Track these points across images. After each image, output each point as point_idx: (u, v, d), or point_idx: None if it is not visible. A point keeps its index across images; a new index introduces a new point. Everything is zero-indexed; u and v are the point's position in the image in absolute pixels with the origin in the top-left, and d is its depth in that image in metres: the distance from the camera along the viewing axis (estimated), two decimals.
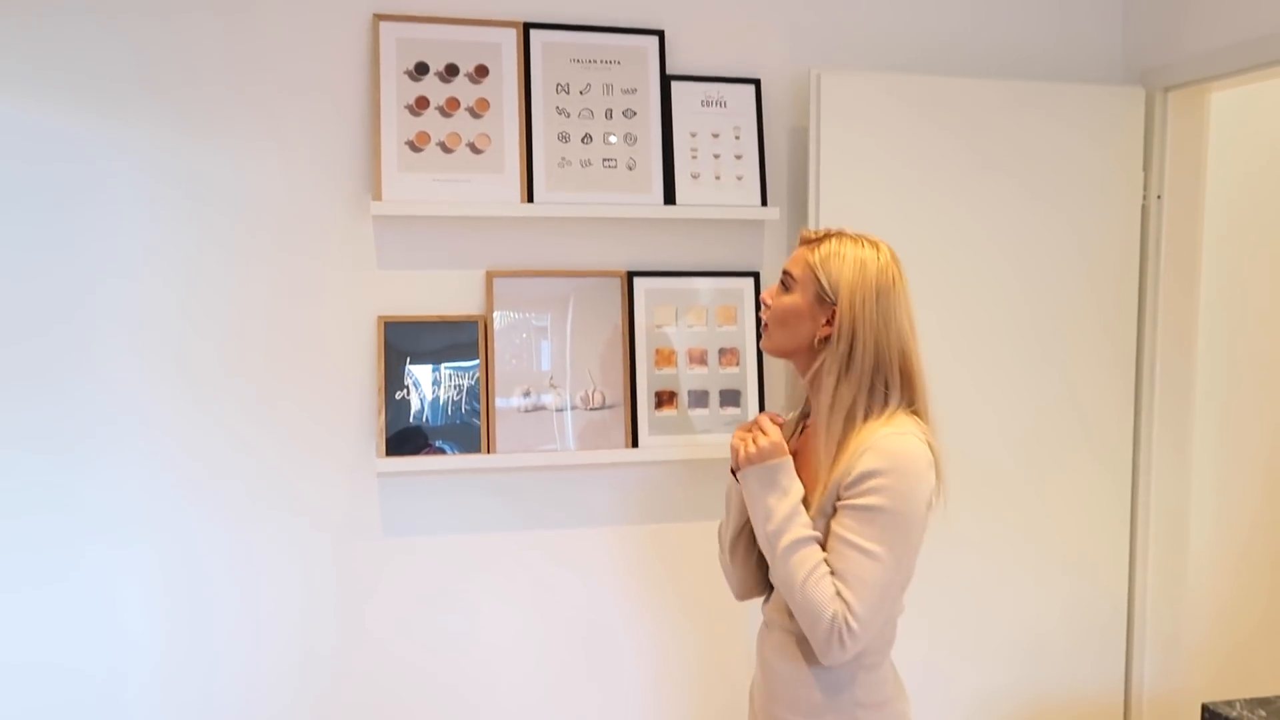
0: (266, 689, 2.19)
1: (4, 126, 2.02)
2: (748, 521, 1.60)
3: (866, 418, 1.47)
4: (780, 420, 1.55)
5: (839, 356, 1.49)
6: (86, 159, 2.06)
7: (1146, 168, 2.47)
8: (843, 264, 1.50)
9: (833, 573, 1.43)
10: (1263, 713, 1.51)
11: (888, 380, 1.48)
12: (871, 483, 1.41)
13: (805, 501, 1.49)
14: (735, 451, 1.54)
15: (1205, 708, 1.55)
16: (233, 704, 2.18)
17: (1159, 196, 2.46)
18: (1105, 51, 2.56)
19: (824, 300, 1.51)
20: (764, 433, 1.51)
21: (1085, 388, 2.45)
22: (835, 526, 1.45)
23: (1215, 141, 2.48)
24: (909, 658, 2.05)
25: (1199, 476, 2.59)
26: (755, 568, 1.65)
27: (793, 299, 1.54)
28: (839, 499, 1.45)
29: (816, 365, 1.52)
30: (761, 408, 2.35)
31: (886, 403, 1.48)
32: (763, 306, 1.63)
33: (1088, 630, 2.48)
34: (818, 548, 1.45)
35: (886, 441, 1.43)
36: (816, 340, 1.51)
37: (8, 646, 2.07)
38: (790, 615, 1.51)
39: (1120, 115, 2.44)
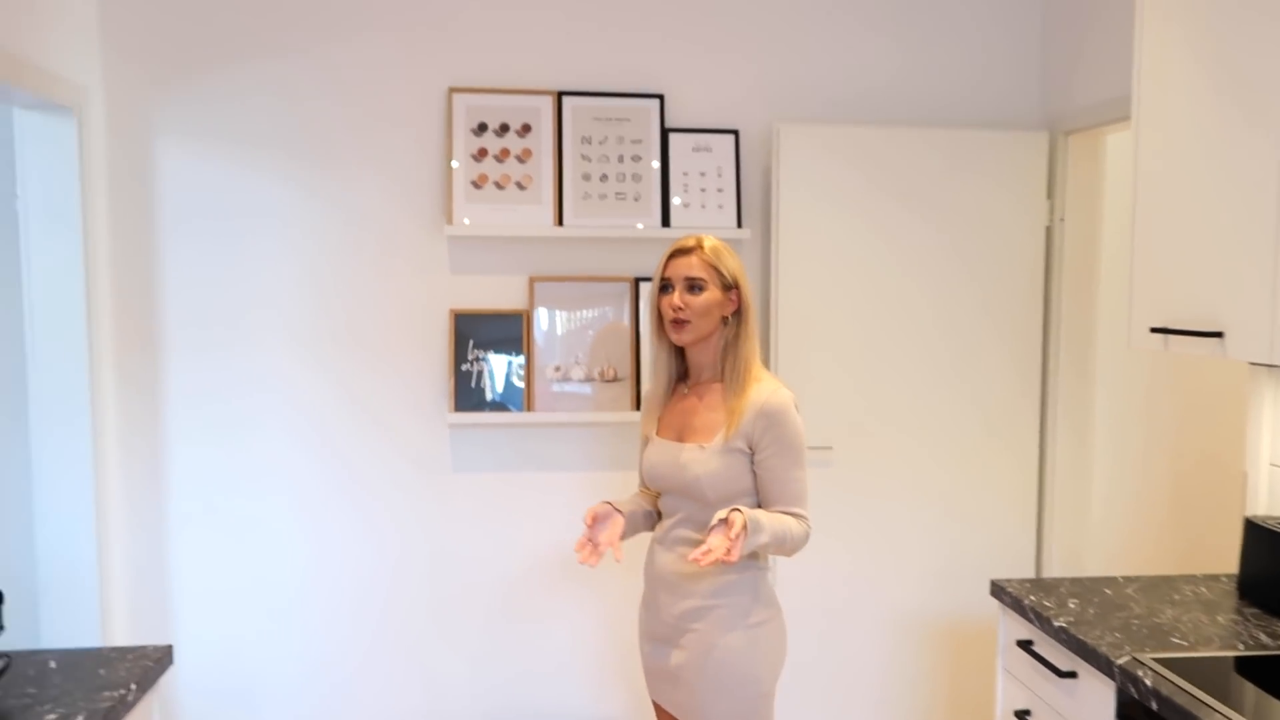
0: (374, 580, 3.04)
1: (197, 177, 2.90)
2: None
3: (749, 371, 2.02)
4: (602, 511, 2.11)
5: (747, 325, 2.04)
6: (245, 192, 2.92)
7: (1050, 196, 3.10)
8: (730, 257, 2.06)
9: (789, 506, 1.97)
10: (1041, 594, 2.07)
11: (754, 344, 2.07)
12: (776, 433, 1.98)
13: (704, 432, 2.01)
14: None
15: (993, 583, 2.19)
16: (354, 592, 3.03)
17: (1062, 219, 3.08)
18: (1023, 100, 3.19)
19: (727, 286, 2.04)
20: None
21: (1001, 370, 3.09)
22: (770, 467, 1.96)
23: (1111, 174, 3.08)
24: (859, 586, 2.76)
25: (1103, 445, 3.20)
26: (641, 524, 2.19)
27: (708, 295, 2.02)
28: (753, 447, 1.97)
29: (728, 335, 2.03)
30: None
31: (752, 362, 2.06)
32: (675, 310, 2.03)
33: (1003, 562, 3.11)
34: (777, 516, 1.94)
35: (775, 399, 2.00)
36: (724, 318, 2.04)
37: (195, 561, 2.96)
38: (699, 530, 2.01)
39: (1027, 155, 3.07)
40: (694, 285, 2.04)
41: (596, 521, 2.08)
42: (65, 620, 2.69)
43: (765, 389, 2.02)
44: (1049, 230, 3.11)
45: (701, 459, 2.00)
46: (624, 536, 2.11)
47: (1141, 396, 3.37)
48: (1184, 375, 3.40)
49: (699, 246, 2.07)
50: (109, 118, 2.86)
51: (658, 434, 2.15)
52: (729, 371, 2.05)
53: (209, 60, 2.89)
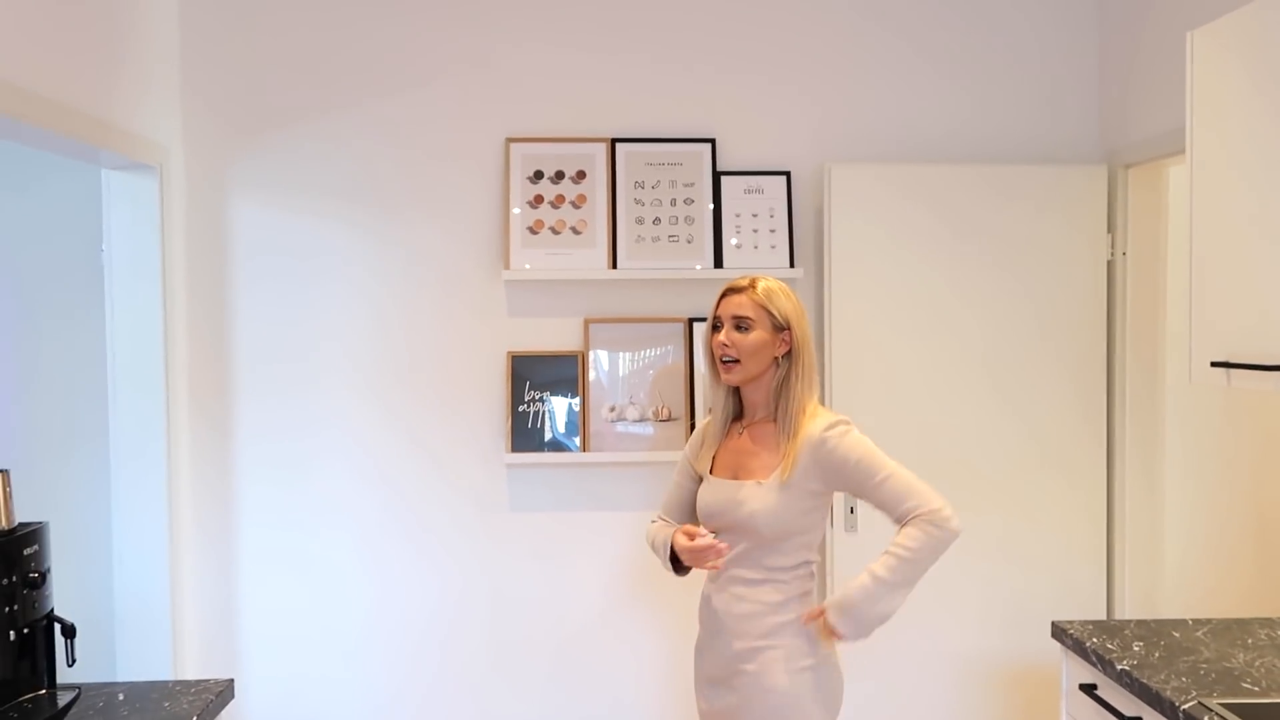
0: (434, 620, 3.08)
1: (267, 227, 3.04)
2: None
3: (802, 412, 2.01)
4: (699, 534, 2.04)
5: (800, 366, 2.03)
6: (313, 242, 3.04)
7: (1111, 229, 3.04)
8: (784, 299, 2.05)
9: (900, 507, 1.92)
10: (1104, 636, 2.02)
11: (812, 385, 2.06)
12: (838, 454, 1.96)
13: (761, 471, 2.02)
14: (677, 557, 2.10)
15: (1054, 625, 2.14)
16: (415, 632, 3.08)
17: (1124, 253, 3.03)
18: (1081, 134, 3.15)
19: (779, 328, 2.03)
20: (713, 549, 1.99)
21: (1065, 408, 3.02)
22: (856, 486, 1.94)
23: (1174, 207, 3.02)
24: (919, 628, 2.73)
25: (1173, 488, 3.09)
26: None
27: (756, 335, 2.01)
28: (823, 481, 1.97)
29: (780, 376, 2.03)
30: None
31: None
32: (721, 348, 2.05)
33: (1072, 606, 3.01)
34: (890, 554, 1.91)
35: (823, 427, 1.99)
36: (776, 359, 2.04)
37: (262, 598, 3.05)
38: (753, 569, 2.03)
39: (1086, 189, 3.03)
40: (741, 324, 2.05)
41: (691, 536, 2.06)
42: (139, 656, 2.79)
43: (818, 423, 2.01)
44: (1110, 264, 3.05)
45: (759, 495, 2.00)
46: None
47: (1216, 433, 3.26)
48: (1261, 410, 3.28)
49: (751, 286, 2.08)
50: (188, 174, 3.02)
51: (712, 473, 2.15)
52: (781, 412, 2.04)
53: (280, 117, 3.04)
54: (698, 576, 2.24)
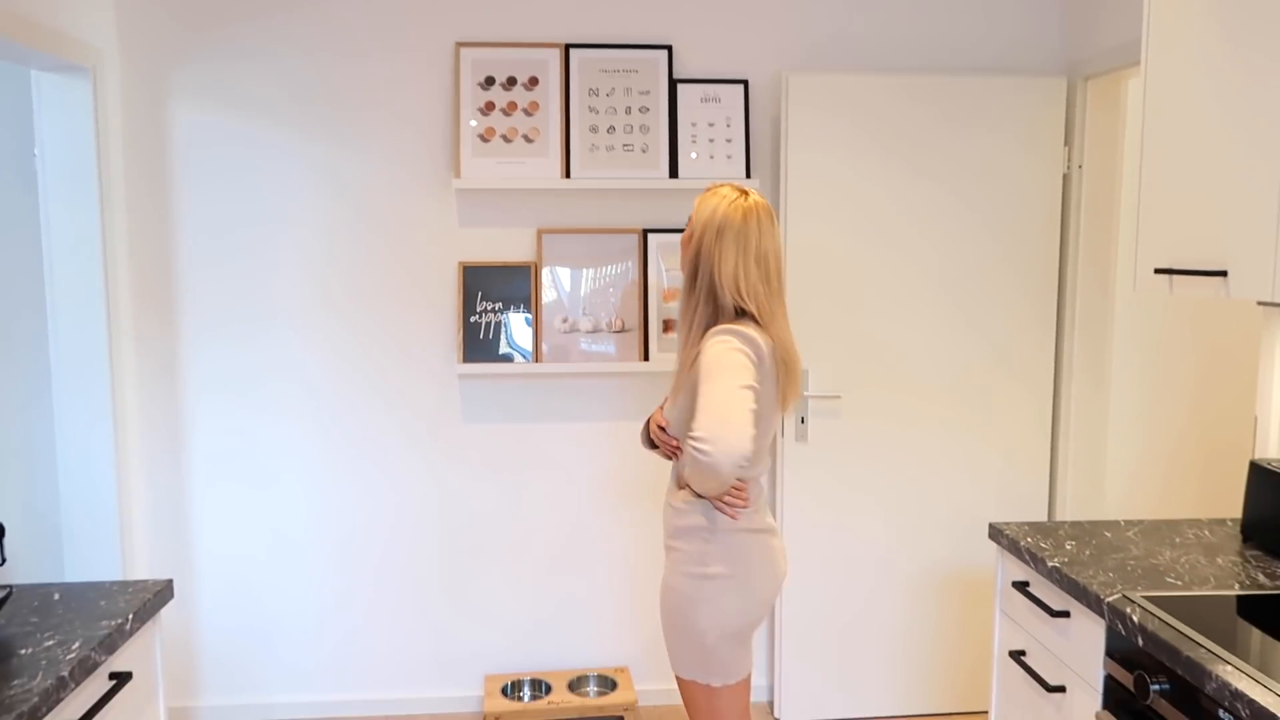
0: (386, 528, 3.10)
1: (209, 132, 2.94)
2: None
3: (706, 329, 1.87)
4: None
5: (687, 278, 1.93)
6: (257, 149, 2.96)
7: (1069, 143, 3.03)
8: (701, 207, 1.92)
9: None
10: (1038, 536, 2.06)
11: (718, 300, 1.87)
12: (706, 353, 1.81)
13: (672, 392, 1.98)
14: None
15: (991, 526, 2.18)
16: (366, 540, 3.09)
17: (1080, 166, 3.02)
18: (1041, 45, 3.11)
19: (690, 235, 1.94)
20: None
21: (1016, 319, 3.05)
22: (700, 393, 1.79)
23: (1132, 120, 3.01)
24: (868, 535, 2.77)
25: (1118, 394, 3.15)
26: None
27: (685, 233, 1.98)
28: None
29: (684, 287, 1.96)
30: None
31: (718, 320, 1.87)
32: None
33: (1015, 514, 3.09)
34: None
35: (711, 335, 1.84)
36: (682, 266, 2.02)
37: (217, 501, 3.04)
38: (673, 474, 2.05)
39: (1045, 101, 3.00)
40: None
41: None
42: (87, 562, 2.78)
43: (711, 333, 1.89)
44: (1066, 177, 3.05)
45: (669, 404, 2.02)
46: None
47: (1162, 345, 3.30)
48: (1204, 325, 3.33)
49: (705, 191, 2.01)
50: (124, 77, 2.90)
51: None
52: (682, 333, 1.97)
53: (222, 16, 2.92)
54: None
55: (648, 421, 2.10)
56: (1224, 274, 1.86)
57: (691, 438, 1.76)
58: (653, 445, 2.10)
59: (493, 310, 3.03)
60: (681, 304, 1.98)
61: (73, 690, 1.40)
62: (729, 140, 3.03)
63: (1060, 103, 3.01)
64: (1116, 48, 2.82)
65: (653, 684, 3.18)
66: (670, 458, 2.05)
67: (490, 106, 2.98)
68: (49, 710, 1.33)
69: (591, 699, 3.03)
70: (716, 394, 1.77)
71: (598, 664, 3.19)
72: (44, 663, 1.41)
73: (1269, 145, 1.74)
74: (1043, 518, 3.11)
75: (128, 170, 2.93)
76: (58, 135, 2.75)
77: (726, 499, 1.92)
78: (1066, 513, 3.07)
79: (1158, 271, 2.03)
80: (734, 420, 1.74)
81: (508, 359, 3.02)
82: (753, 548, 1.96)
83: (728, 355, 1.81)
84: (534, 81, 2.99)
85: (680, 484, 2.01)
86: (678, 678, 2.04)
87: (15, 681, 1.34)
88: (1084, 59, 2.99)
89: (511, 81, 2.99)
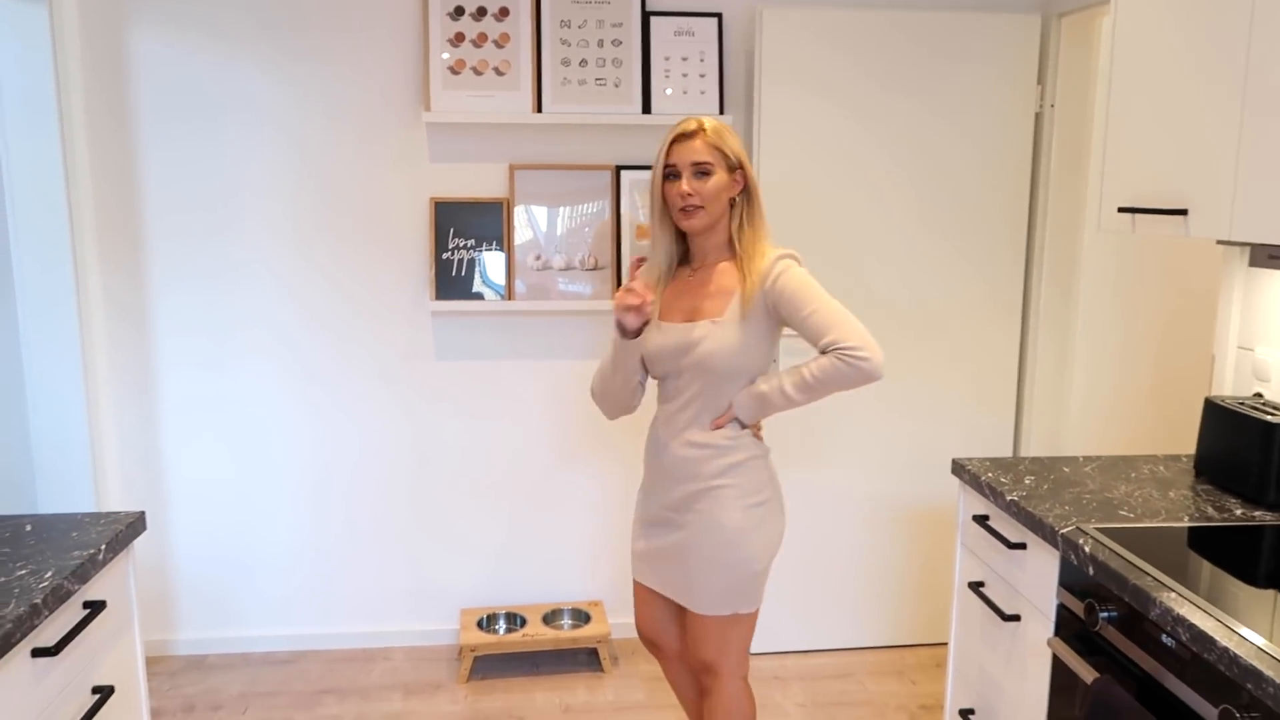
0: (359, 462, 3.12)
1: (171, 61, 2.87)
2: (628, 367, 2.05)
3: (752, 253, 1.99)
4: (647, 284, 1.95)
5: (755, 203, 2.00)
6: (223, 81, 2.90)
7: (1041, 81, 3.03)
8: (731, 138, 1.98)
9: (821, 340, 1.91)
10: (999, 472, 2.12)
11: (760, 224, 2.02)
12: (779, 285, 1.95)
13: (714, 310, 1.97)
14: (619, 323, 1.95)
15: (954, 461, 2.23)
16: (336, 472, 3.11)
17: (1052, 105, 3.02)
18: None
19: (731, 168, 1.98)
20: (636, 294, 1.91)
21: (986, 259, 3.08)
22: (790, 318, 1.93)
23: (1105, 60, 3.00)
24: (834, 469, 2.81)
25: (1084, 333, 3.20)
26: (630, 397, 2.11)
27: (715, 179, 1.95)
28: (771, 312, 1.96)
29: (739, 217, 1.99)
30: None
31: (758, 244, 2.01)
32: (684, 198, 1.96)
33: (979, 451, 3.16)
34: (800, 374, 1.93)
35: (771, 261, 1.97)
36: (732, 200, 1.99)
37: (185, 440, 3.04)
38: (707, 411, 2.02)
39: (1019, 38, 2.99)
40: (701, 170, 1.97)
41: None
42: (62, 501, 2.79)
43: (769, 257, 2.00)
44: (1038, 116, 3.05)
45: (715, 332, 1.98)
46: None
47: (1128, 285, 3.34)
48: (1172, 265, 3.37)
49: (701, 129, 1.98)
50: (81, 4, 2.82)
51: (660, 318, 2.07)
52: (745, 250, 2.01)
53: None
54: (644, 420, 2.26)
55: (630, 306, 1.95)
56: (1184, 213, 1.88)
57: (849, 349, 1.90)
58: (630, 333, 2.00)
59: (465, 247, 3.01)
60: (742, 230, 2.01)
61: (46, 617, 1.42)
62: (703, 75, 3.00)
63: (1034, 40, 3.00)
64: None
65: (625, 617, 3.25)
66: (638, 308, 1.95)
67: (460, 38, 2.93)
68: (23, 636, 1.35)
69: (565, 631, 3.09)
70: (838, 309, 1.94)
71: (571, 598, 3.26)
72: (17, 591, 1.42)
73: (1230, 85, 1.76)
74: (1008, 454, 3.17)
75: (88, 101, 2.86)
76: (13, 65, 2.69)
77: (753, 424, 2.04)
78: (1031, 449, 3.14)
79: (1121, 210, 2.05)
80: (865, 329, 1.93)
81: (480, 297, 3.01)
82: (774, 468, 2.12)
83: (812, 278, 1.98)
84: (504, 12, 2.94)
85: (717, 423, 1.99)
86: (707, 618, 2.04)
87: None
88: None
89: (481, 12, 2.93)
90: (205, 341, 3.01)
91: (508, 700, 2.90)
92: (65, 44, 2.76)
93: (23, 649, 1.38)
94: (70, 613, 1.53)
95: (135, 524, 1.74)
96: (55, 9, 2.71)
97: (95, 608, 1.57)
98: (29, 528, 1.69)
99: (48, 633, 1.45)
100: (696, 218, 1.98)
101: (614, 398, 2.12)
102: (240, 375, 3.04)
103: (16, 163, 2.71)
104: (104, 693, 1.59)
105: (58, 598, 1.45)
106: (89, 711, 1.54)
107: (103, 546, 1.61)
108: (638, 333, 2.01)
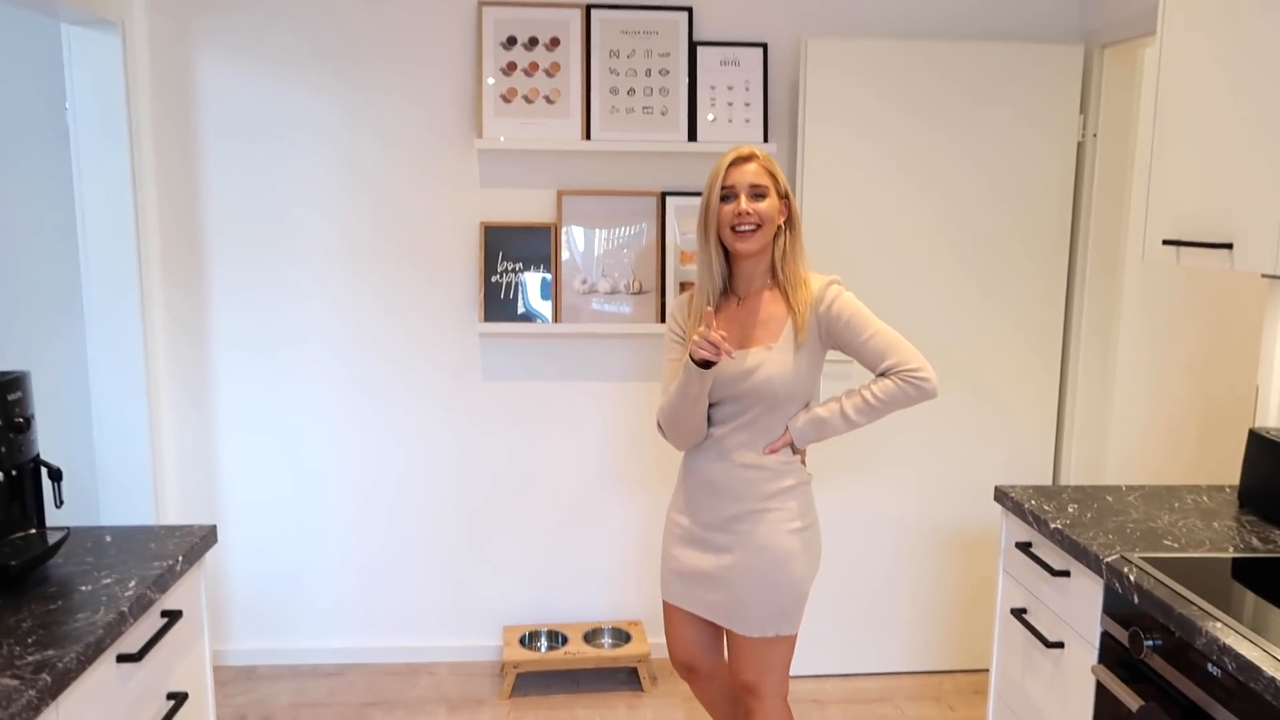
0: (406, 479, 3.19)
1: (236, 88, 2.99)
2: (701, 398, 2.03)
3: (801, 279, 2.07)
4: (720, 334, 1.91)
5: (798, 232, 2.08)
6: (283, 107, 3.01)
7: (1084, 111, 3.06)
8: (779, 167, 2.09)
9: (882, 363, 1.99)
10: (1042, 500, 2.14)
11: (802, 252, 2.10)
12: (843, 301, 2.04)
13: (767, 337, 2.02)
14: (698, 356, 1.92)
15: (997, 489, 2.26)
16: (385, 489, 3.19)
17: (1095, 135, 3.05)
18: (1059, 11, 3.13)
19: (782, 196, 2.06)
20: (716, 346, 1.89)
21: (1027, 287, 3.10)
22: (848, 343, 2.02)
23: (1148, 89, 3.02)
24: (876, 495, 2.84)
25: (1125, 362, 3.21)
26: (703, 424, 2.08)
27: (770, 202, 2.02)
28: (825, 339, 2.04)
29: (784, 244, 2.06)
30: None
31: (799, 270, 2.08)
32: (742, 217, 2.00)
33: (1019, 478, 3.17)
34: (862, 397, 2.01)
35: (821, 287, 2.05)
36: (779, 226, 2.06)
37: (240, 457, 3.13)
38: (760, 434, 2.06)
39: (1062, 69, 3.03)
40: (757, 193, 2.03)
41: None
42: (122, 513, 2.88)
43: (816, 284, 2.07)
44: (1080, 146, 3.08)
45: (771, 359, 2.02)
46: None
47: (1170, 313, 3.35)
48: (1212, 296, 3.37)
49: (755, 155, 2.06)
50: (151, 32, 2.94)
51: None
52: (790, 276, 2.07)
53: None
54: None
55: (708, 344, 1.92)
56: (1229, 246, 1.91)
57: (911, 371, 2.01)
58: (706, 364, 1.97)
59: (513, 270, 3.09)
60: (785, 258, 2.08)
61: (131, 625, 1.50)
62: (748, 104, 3.07)
63: (1077, 70, 3.03)
64: (1134, 16, 2.84)
65: (664, 637, 3.28)
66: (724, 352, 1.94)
67: (512, 67, 3.02)
68: (112, 642, 1.43)
69: (606, 650, 3.14)
70: (893, 332, 2.05)
71: (611, 617, 3.30)
72: (104, 599, 1.50)
73: (1277, 120, 1.79)
74: (1047, 482, 3.19)
75: (156, 124, 2.98)
76: (88, 90, 2.81)
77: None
78: (1071, 477, 3.15)
79: (1166, 243, 2.08)
80: (917, 349, 2.05)
81: (527, 318, 3.08)
82: (813, 496, 2.17)
83: (862, 303, 2.08)
84: (555, 42, 3.02)
85: (772, 447, 2.06)
86: (752, 640, 2.08)
87: (79, 615, 1.44)
88: (1101, 27, 3.01)
89: (533, 42, 3.02)
90: (260, 357, 3.11)
91: (550, 717, 2.95)
92: (136, 71, 2.88)
93: (110, 654, 1.45)
94: (150, 621, 1.60)
95: (208, 537, 1.82)
96: (127, 37, 2.83)
97: (172, 616, 1.65)
98: (109, 539, 1.77)
99: (131, 639, 1.53)
100: (752, 239, 2.03)
101: (685, 427, 2.08)
102: (293, 391, 3.13)
103: (89, 184, 2.83)
104: (178, 699, 1.66)
105: (140, 606, 1.53)
106: (165, 717, 1.61)
107: (180, 557, 1.68)
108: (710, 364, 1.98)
